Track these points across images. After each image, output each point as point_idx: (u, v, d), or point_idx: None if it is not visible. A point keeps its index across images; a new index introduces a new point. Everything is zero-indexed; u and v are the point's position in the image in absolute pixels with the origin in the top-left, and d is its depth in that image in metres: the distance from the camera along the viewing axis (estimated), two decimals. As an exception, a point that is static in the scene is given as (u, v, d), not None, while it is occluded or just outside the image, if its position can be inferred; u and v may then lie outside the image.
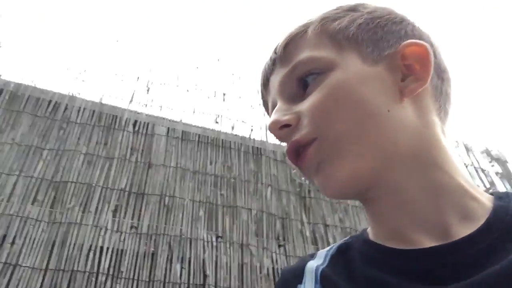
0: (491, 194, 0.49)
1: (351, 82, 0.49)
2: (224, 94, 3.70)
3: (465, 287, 0.39)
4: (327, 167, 0.47)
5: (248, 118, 3.62)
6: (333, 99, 0.48)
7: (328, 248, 0.57)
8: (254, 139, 3.46)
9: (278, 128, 0.50)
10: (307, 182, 3.28)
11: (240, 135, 3.44)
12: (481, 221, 0.44)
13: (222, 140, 3.29)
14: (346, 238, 0.58)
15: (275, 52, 0.56)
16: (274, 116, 0.51)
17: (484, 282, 0.38)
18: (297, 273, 0.54)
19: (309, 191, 3.25)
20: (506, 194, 0.48)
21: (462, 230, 0.44)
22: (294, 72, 0.52)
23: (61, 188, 2.52)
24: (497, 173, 4.44)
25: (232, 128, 3.47)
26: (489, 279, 0.38)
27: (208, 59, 3.88)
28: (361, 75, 0.49)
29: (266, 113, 0.62)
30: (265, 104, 0.61)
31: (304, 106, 0.50)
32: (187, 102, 3.50)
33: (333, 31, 0.53)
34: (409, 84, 0.49)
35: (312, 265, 0.54)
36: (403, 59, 0.51)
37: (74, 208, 2.44)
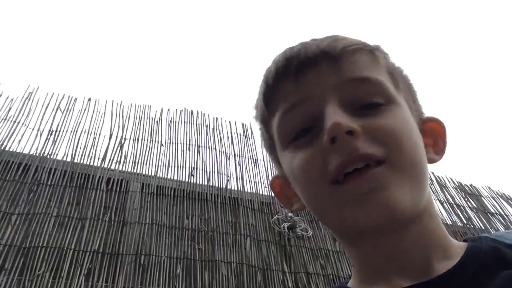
0: (465, 240, 0.51)
1: (412, 123, 0.50)
2: (198, 146, 3.70)
3: None
4: (391, 190, 0.45)
5: (224, 169, 3.62)
6: (404, 129, 0.48)
7: None
8: (230, 189, 3.44)
9: (344, 132, 0.46)
10: (286, 230, 3.25)
11: (216, 186, 3.42)
12: (457, 260, 0.46)
13: (198, 192, 3.26)
14: None
15: (333, 48, 0.52)
16: (340, 118, 0.46)
17: None
18: None
19: (288, 240, 3.21)
20: (479, 237, 0.50)
21: (442, 268, 0.46)
22: (359, 85, 0.50)
23: (31, 254, 2.42)
24: (472, 208, 4.50)
25: (208, 179, 3.45)
26: None
27: (181, 112, 3.90)
28: (413, 123, 0.51)
29: (273, 102, 0.55)
30: (283, 94, 0.53)
31: (375, 124, 0.48)
32: (161, 157, 3.48)
33: (392, 68, 0.54)
34: (430, 154, 0.53)
35: None
36: (428, 129, 0.55)
37: (45, 275, 2.33)
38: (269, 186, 3.77)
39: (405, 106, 0.51)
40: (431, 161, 0.53)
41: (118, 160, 3.27)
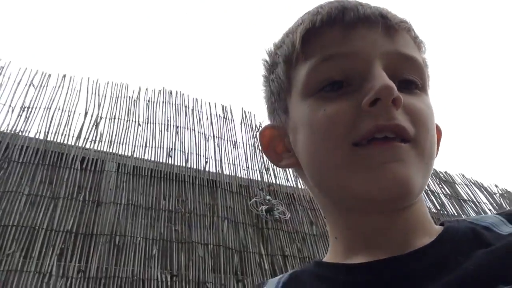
0: (442, 223, 0.52)
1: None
2: (177, 127, 3.64)
3: None
4: (412, 166, 0.45)
5: (202, 151, 3.58)
6: (432, 123, 0.49)
7: (279, 276, 0.56)
8: (208, 171, 3.41)
9: (396, 96, 0.44)
10: (263, 213, 3.24)
11: (195, 168, 3.38)
12: (435, 237, 0.47)
13: (176, 174, 3.22)
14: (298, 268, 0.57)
15: (393, 17, 0.51)
16: (391, 82, 0.45)
17: None
18: None
19: (266, 222, 3.21)
20: (456, 220, 0.51)
21: (420, 244, 0.46)
22: (407, 62, 0.49)
23: (0, 233, 2.34)
24: (446, 195, 4.60)
25: (186, 161, 3.41)
26: (444, 287, 0.40)
27: (160, 92, 3.82)
28: None
29: (312, 45, 0.51)
30: (329, 37, 0.50)
31: (413, 103, 0.48)
32: (138, 137, 3.41)
33: (427, 63, 0.55)
34: None
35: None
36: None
37: (15, 254, 2.27)
38: (247, 169, 3.78)
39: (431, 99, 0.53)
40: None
41: (93, 139, 3.19)
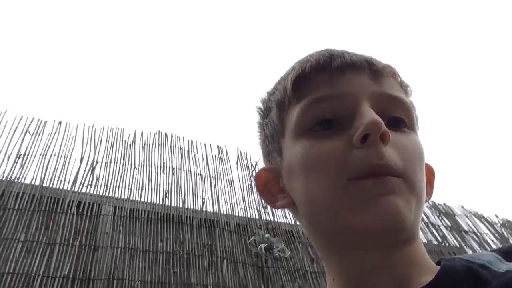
0: (438, 262, 0.52)
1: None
2: (173, 169, 3.65)
3: None
4: (405, 198, 0.46)
5: (199, 191, 3.57)
6: (419, 154, 0.51)
7: None
8: (206, 211, 3.38)
9: (384, 132, 0.46)
10: (263, 251, 3.20)
11: (192, 209, 3.36)
12: (433, 276, 0.46)
13: (173, 215, 3.19)
14: None
15: (377, 62, 0.55)
16: (378, 117, 0.46)
17: None
18: None
19: (265, 261, 3.16)
20: (453, 258, 0.51)
21: (417, 283, 0.46)
22: (395, 102, 0.52)
23: (-5, 282, 2.29)
24: (446, 227, 4.55)
25: (183, 202, 3.39)
26: None
27: (156, 135, 3.86)
28: None
29: (302, 89, 0.54)
30: (318, 81, 0.53)
31: (400, 140, 0.49)
32: (134, 180, 3.41)
33: (415, 106, 0.57)
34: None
35: None
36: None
37: (10, 303, 2.21)
38: (245, 207, 3.76)
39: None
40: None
41: (90, 183, 3.18)
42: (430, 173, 0.57)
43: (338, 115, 0.50)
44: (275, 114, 0.58)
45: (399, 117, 0.51)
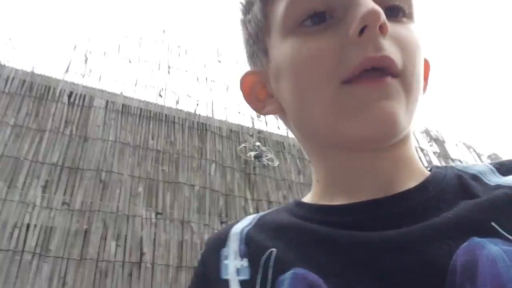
0: (430, 169, 0.50)
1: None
2: (169, 67, 3.56)
3: (393, 236, 0.39)
4: (401, 101, 0.42)
5: (194, 93, 3.51)
6: (421, 52, 0.45)
7: (243, 222, 0.54)
8: (199, 114, 3.37)
9: (382, 23, 0.40)
10: (252, 158, 3.24)
11: (185, 110, 3.33)
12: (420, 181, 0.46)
13: (166, 114, 3.18)
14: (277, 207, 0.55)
15: None
16: (378, 7, 0.41)
17: (413, 233, 0.39)
18: (222, 238, 0.51)
19: (254, 168, 3.22)
20: (445, 166, 0.49)
21: (405, 187, 0.45)
22: None
23: (-16, 162, 2.32)
24: (435, 153, 4.63)
25: (177, 102, 3.35)
26: (418, 231, 0.39)
27: (153, 30, 3.70)
28: None
29: None
30: None
31: (398, 32, 0.43)
32: (128, 74, 3.33)
33: None
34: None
35: (237, 228, 0.51)
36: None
37: (-1, 183, 2.26)
38: (239, 114, 3.74)
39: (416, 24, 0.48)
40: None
41: (82, 74, 3.11)
42: (426, 65, 0.52)
43: (331, 6, 0.44)
44: (259, 8, 0.51)
45: (398, 5, 0.45)
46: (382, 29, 0.41)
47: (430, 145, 4.64)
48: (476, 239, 0.37)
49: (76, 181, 2.48)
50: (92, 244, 2.23)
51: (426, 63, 0.53)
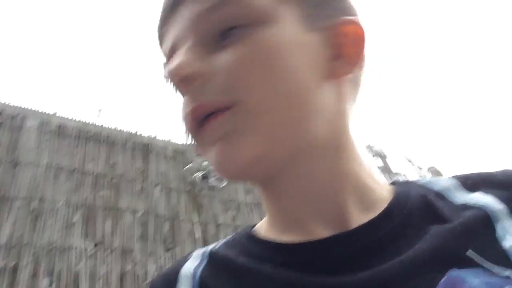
0: (393, 183, 0.48)
1: (285, 44, 0.41)
2: (111, 85, 3.39)
3: (367, 278, 0.37)
4: (233, 141, 0.39)
5: (137, 112, 3.37)
6: (260, 61, 0.40)
7: (205, 247, 0.50)
8: (142, 134, 3.22)
9: (181, 77, 0.39)
10: (199, 179, 3.14)
11: (127, 130, 3.18)
12: (383, 208, 0.43)
13: (106, 135, 3.01)
14: (227, 237, 0.50)
15: None
16: (180, 58, 0.40)
17: (388, 272, 0.36)
18: (170, 280, 0.46)
19: (200, 189, 3.12)
20: (407, 181, 0.48)
21: (363, 219, 0.42)
22: (217, 11, 0.41)
23: None
24: (378, 167, 4.76)
25: (118, 122, 3.19)
26: (393, 269, 0.36)
27: (96, 45, 3.53)
28: (297, 39, 0.42)
29: (164, 56, 0.48)
30: (163, 39, 0.47)
31: (222, 60, 0.40)
32: (66, 93, 3.14)
33: None
34: (339, 67, 0.44)
35: (188, 268, 0.47)
36: (341, 36, 0.44)
37: None
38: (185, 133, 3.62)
39: (286, 21, 0.42)
40: (341, 74, 0.44)
41: (13, 92, 2.88)
42: (353, 31, 0.45)
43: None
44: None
45: (224, 29, 0.41)
46: (193, 79, 0.39)
47: (374, 160, 4.77)
48: (455, 272, 0.35)
49: (4, 212, 2.25)
50: (21, 282, 2.02)
51: (355, 27, 0.46)
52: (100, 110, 3.18)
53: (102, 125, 3.06)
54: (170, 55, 0.44)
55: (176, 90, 0.43)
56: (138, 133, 3.20)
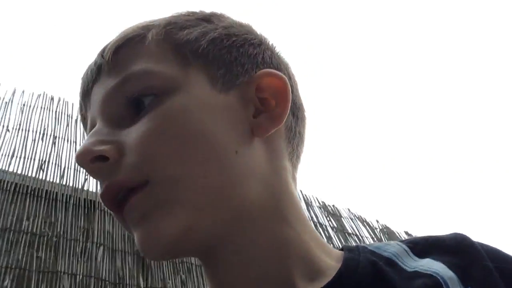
0: (341, 249, 0.47)
1: (195, 109, 0.40)
2: (55, 137, 3.20)
3: None
4: (153, 219, 0.37)
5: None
6: (170, 131, 0.38)
7: None
8: (87, 190, 3.02)
9: (89, 160, 0.38)
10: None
11: (71, 185, 2.97)
12: (331, 277, 0.41)
13: (47, 190, 2.79)
14: None
15: (101, 55, 0.44)
16: (87, 141, 0.39)
17: None
18: None
19: (148, 251, 2.91)
20: (357, 247, 0.46)
21: (311, 287, 0.40)
22: (123, 87, 0.41)
23: None
24: (332, 228, 4.72)
25: (61, 176, 2.98)
26: None
27: (39, 97, 3.37)
28: (208, 102, 0.41)
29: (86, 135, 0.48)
30: (85, 122, 0.47)
31: (130, 136, 0.39)
32: (5, 144, 2.92)
33: (179, 41, 0.43)
34: (263, 122, 0.43)
35: None
36: (258, 91, 0.44)
37: None
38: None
39: (193, 86, 0.42)
40: (264, 131, 0.43)
41: None
42: (274, 84, 0.44)
43: None
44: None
45: (140, 99, 0.40)
46: (103, 159, 0.38)
47: (328, 220, 4.73)
48: None
49: None
50: None
51: (276, 80, 0.44)
52: (44, 163, 2.96)
53: (44, 179, 2.84)
54: (88, 130, 0.45)
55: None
56: (84, 189, 3.00)
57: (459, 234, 0.43)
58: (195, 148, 0.38)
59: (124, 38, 0.43)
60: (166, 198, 0.37)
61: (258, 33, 0.49)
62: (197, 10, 0.47)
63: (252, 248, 0.41)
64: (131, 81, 0.41)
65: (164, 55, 0.42)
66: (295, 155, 0.48)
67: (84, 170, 0.40)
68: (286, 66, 0.50)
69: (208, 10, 0.48)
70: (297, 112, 0.48)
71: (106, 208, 2.91)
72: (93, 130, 0.41)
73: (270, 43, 0.50)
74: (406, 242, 0.45)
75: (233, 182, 0.39)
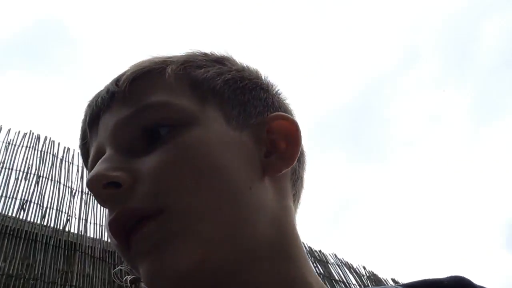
0: None
1: (212, 143, 0.41)
2: (38, 176, 3.16)
3: None
4: (167, 250, 0.36)
5: (65, 207, 3.12)
6: (188, 162, 0.39)
7: None
8: (69, 231, 2.95)
9: (102, 186, 0.37)
10: (128, 284, 2.84)
11: (52, 226, 2.90)
12: None
13: (26, 231, 2.71)
14: None
15: (116, 84, 0.44)
16: (100, 167, 0.38)
17: None
18: None
19: (129, 295, 2.81)
20: None
21: None
22: (140, 116, 0.41)
23: None
24: (319, 274, 4.64)
25: (43, 217, 2.91)
26: None
27: (25, 135, 3.35)
28: (225, 138, 0.42)
29: (84, 165, 0.49)
30: (85, 150, 0.47)
31: (146, 164, 0.39)
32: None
33: (197, 79, 0.45)
34: (275, 162, 0.44)
35: None
36: (269, 133, 0.45)
37: None
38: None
39: (210, 121, 0.43)
40: (275, 170, 0.44)
41: None
42: (285, 127, 0.46)
43: None
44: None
45: (149, 131, 0.41)
46: (117, 185, 0.37)
47: (315, 266, 4.66)
48: None
49: None
50: None
51: (287, 123, 0.46)
52: (25, 202, 2.90)
53: (24, 220, 2.77)
54: (92, 166, 0.42)
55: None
56: (66, 230, 2.92)
57: (458, 276, 0.43)
58: (211, 181, 0.39)
59: (142, 70, 0.44)
60: (181, 228, 0.37)
61: (264, 78, 0.51)
62: (208, 51, 0.49)
63: (260, 286, 0.40)
64: (149, 111, 0.41)
65: (182, 89, 0.43)
66: (297, 197, 0.50)
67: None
68: (291, 112, 0.52)
69: (218, 52, 0.50)
70: (300, 156, 0.49)
71: (87, 250, 2.84)
72: (104, 157, 0.40)
73: (277, 89, 0.52)
74: (405, 286, 0.44)
75: (246, 217, 0.39)
